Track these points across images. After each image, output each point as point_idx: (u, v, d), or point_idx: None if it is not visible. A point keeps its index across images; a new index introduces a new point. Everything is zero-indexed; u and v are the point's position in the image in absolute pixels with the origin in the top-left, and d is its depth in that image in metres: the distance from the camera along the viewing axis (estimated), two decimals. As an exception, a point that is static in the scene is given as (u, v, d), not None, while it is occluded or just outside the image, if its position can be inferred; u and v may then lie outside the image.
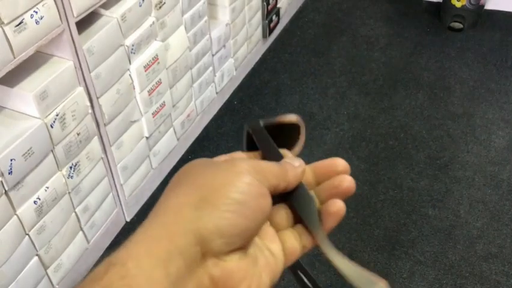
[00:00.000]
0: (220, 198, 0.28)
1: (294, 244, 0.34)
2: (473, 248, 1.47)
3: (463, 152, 1.76)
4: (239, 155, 0.35)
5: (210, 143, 1.82)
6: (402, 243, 1.48)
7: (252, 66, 2.15)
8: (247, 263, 0.30)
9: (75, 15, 1.10)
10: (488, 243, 1.48)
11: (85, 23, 1.18)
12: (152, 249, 0.26)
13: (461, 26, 2.37)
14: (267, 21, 2.14)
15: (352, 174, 0.36)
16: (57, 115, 1.11)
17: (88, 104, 1.20)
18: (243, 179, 0.29)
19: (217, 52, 1.78)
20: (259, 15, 2.07)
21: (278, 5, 2.23)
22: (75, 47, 1.13)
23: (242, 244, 0.29)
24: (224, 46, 1.81)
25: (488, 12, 2.47)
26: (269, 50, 2.25)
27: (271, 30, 2.22)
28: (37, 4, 1.00)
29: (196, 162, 0.31)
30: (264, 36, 2.18)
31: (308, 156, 1.46)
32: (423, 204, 1.59)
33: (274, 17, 2.21)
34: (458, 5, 2.32)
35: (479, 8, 2.35)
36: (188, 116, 1.71)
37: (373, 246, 1.48)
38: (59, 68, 1.11)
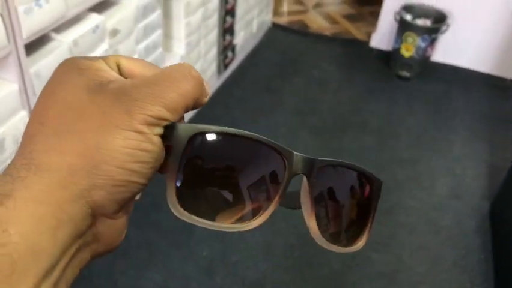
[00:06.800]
0: (115, 168, 0.24)
1: None
2: (414, 294, 1.48)
3: (407, 197, 1.80)
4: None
5: (157, 175, 1.78)
6: (346, 285, 1.48)
7: (205, 100, 2.13)
8: (125, 213, 0.28)
9: (24, 37, 1.06)
10: (428, 288, 1.50)
11: (35, 45, 1.14)
12: (38, 214, 0.22)
13: (408, 74, 2.47)
14: (222, 57, 2.15)
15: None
16: (-4, 139, 1.06)
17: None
18: (140, 143, 0.25)
19: (170, 84, 1.76)
20: (214, 50, 2.08)
21: (234, 42, 2.25)
22: (21, 70, 1.08)
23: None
24: (178, 78, 1.80)
25: (433, 63, 2.59)
26: (223, 86, 2.26)
27: (226, 66, 2.23)
28: (-16, 23, 0.96)
29: (72, 88, 0.25)
30: (219, 71, 2.18)
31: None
32: (368, 248, 1.59)
33: (229, 53, 2.23)
34: (407, 55, 2.42)
35: (426, 59, 2.46)
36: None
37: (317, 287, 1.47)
38: (3, 91, 1.06)
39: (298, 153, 0.29)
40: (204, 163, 0.28)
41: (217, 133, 0.28)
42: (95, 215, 0.25)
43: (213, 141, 0.28)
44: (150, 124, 0.25)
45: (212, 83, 2.17)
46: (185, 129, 0.26)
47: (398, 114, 2.24)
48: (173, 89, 0.26)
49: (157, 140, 0.26)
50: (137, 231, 1.54)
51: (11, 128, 1.09)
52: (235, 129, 0.28)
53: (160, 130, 0.26)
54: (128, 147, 0.24)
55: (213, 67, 2.12)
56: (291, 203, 0.34)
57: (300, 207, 0.34)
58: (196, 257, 1.50)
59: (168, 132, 0.26)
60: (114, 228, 0.27)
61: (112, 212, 0.26)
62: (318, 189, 0.31)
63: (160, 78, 0.27)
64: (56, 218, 0.22)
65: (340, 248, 0.32)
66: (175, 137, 0.26)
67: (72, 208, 0.23)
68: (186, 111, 0.28)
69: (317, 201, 0.31)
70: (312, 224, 0.31)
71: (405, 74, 2.47)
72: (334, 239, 0.32)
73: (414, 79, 2.48)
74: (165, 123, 0.26)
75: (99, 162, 0.24)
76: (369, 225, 0.34)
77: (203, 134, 0.27)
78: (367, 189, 0.34)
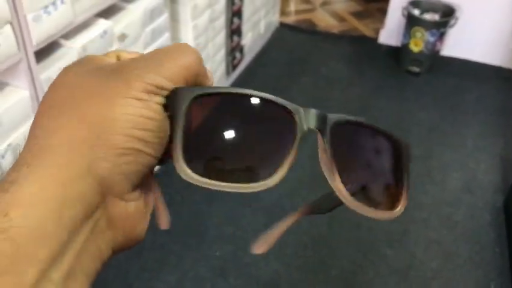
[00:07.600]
0: (117, 135, 0.24)
1: None
2: (429, 289, 1.48)
3: (420, 193, 1.79)
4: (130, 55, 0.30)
5: (166, 175, 1.79)
6: (359, 285, 1.48)
7: (215, 101, 2.15)
8: (143, 201, 0.27)
9: (34, 45, 1.07)
10: (442, 284, 1.49)
11: (45, 52, 1.16)
12: (44, 194, 0.22)
13: (418, 70, 2.46)
14: (230, 58, 2.16)
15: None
16: (9, 145, 1.07)
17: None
18: (140, 109, 0.25)
19: (179, 86, 1.78)
20: (223, 51, 2.09)
21: (242, 43, 2.26)
22: (32, 77, 1.10)
23: (144, 179, 0.27)
24: (187, 81, 1.81)
25: (443, 58, 2.57)
26: (232, 86, 2.26)
27: (234, 67, 2.24)
28: (-6, 32, 0.97)
29: (74, 74, 0.26)
30: (228, 72, 2.19)
31: (269, 195, 1.45)
32: (381, 244, 1.59)
33: (237, 54, 2.23)
34: (416, 50, 2.41)
35: (435, 53, 2.45)
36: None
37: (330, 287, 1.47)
38: (14, 98, 1.07)
39: (308, 108, 0.29)
40: (210, 125, 0.27)
41: (219, 94, 0.27)
42: (104, 193, 0.24)
43: (216, 102, 0.27)
44: (150, 92, 0.25)
45: (221, 84, 2.17)
46: (185, 92, 0.26)
47: (409, 110, 2.23)
48: (170, 60, 0.27)
49: (158, 107, 0.26)
50: (149, 233, 1.55)
51: (24, 134, 1.10)
52: (238, 88, 0.28)
53: (160, 99, 0.26)
54: (128, 113, 0.24)
55: (222, 68, 2.13)
56: (322, 207, 0.33)
57: (330, 210, 0.32)
58: (209, 258, 1.51)
59: (170, 102, 0.26)
60: (129, 213, 0.26)
61: (122, 190, 0.25)
62: (337, 147, 0.29)
63: (157, 51, 0.28)
64: (62, 197, 0.22)
65: (376, 212, 0.29)
66: (176, 101, 0.26)
67: (78, 186, 0.23)
68: (186, 84, 0.28)
69: (338, 159, 0.29)
70: (337, 184, 0.28)
71: (415, 69, 2.46)
72: (366, 201, 0.29)
73: (424, 74, 2.47)
74: (165, 92, 0.26)
75: (101, 132, 0.24)
76: (405, 188, 0.32)
77: (205, 96, 0.27)
78: (392, 149, 0.33)
